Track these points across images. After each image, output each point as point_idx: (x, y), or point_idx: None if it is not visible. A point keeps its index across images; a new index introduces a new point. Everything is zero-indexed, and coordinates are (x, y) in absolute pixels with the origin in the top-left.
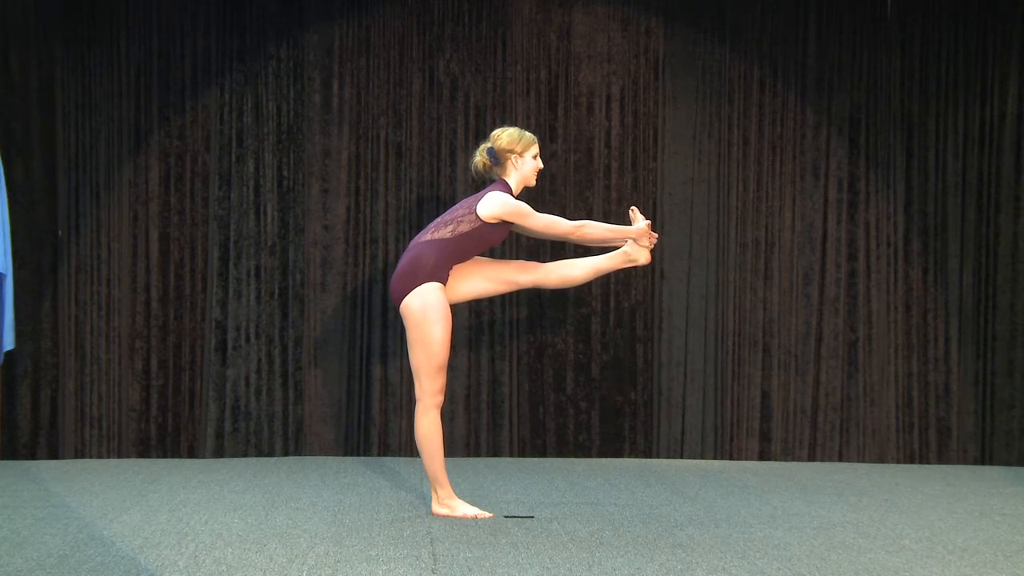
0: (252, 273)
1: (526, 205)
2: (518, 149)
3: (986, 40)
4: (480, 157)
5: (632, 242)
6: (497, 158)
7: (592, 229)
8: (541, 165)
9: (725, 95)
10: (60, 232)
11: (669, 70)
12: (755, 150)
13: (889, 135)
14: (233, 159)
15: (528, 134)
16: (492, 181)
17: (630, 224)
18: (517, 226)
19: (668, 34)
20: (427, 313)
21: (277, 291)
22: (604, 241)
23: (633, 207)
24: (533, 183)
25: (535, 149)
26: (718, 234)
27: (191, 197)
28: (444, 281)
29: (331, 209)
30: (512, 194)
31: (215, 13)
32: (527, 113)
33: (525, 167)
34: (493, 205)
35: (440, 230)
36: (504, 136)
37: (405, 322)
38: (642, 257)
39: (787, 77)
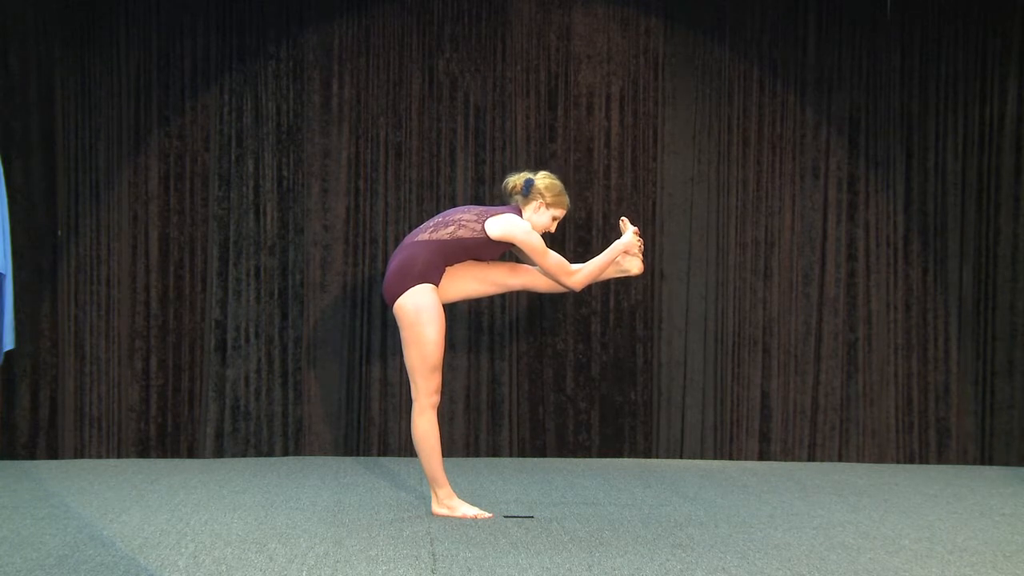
0: (252, 273)
1: (542, 242)
2: (548, 199)
3: (986, 40)
4: (516, 180)
5: (623, 253)
6: (529, 192)
7: (588, 275)
8: (553, 229)
9: (725, 95)
10: (60, 232)
11: (669, 70)
12: (755, 150)
13: (889, 135)
14: (233, 159)
15: (566, 196)
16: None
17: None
18: (521, 254)
19: (668, 34)
20: (420, 314)
21: (277, 291)
22: (602, 274)
23: (623, 217)
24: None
25: (560, 212)
26: (718, 234)
27: (191, 197)
28: (436, 282)
29: (331, 209)
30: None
31: (215, 13)
32: (527, 113)
33: (541, 217)
34: (510, 229)
35: (439, 231)
36: (547, 180)
37: (398, 323)
38: (634, 267)
39: (787, 77)
